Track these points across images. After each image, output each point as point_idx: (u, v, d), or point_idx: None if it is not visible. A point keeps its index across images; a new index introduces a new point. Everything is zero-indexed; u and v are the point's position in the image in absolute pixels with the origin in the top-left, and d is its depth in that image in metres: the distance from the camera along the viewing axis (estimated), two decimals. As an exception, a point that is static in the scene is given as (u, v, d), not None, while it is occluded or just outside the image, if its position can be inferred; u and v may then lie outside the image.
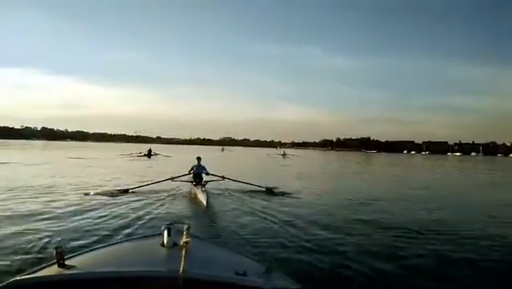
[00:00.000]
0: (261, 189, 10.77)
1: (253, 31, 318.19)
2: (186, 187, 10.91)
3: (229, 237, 5.75)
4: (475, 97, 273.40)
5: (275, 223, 6.81)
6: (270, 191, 10.70)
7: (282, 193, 10.60)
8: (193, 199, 9.35)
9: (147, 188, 10.46)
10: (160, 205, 8.27)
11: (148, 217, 7.12)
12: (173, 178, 10.65)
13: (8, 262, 4.16)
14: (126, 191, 9.92)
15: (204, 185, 10.12)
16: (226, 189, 11.14)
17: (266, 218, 7.23)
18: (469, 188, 17.31)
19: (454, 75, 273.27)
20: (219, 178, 10.90)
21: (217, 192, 10.64)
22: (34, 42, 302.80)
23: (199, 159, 11.19)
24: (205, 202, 8.48)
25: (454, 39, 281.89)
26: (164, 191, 10.27)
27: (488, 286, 4.33)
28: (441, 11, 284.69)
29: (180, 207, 8.41)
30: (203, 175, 10.73)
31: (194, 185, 10.38)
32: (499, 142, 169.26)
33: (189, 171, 10.96)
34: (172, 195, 9.92)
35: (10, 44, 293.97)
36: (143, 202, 8.57)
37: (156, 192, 10.15)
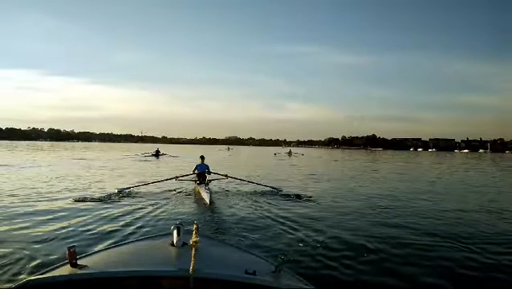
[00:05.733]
0: (264, 187, 10.73)
1: (257, 31, 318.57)
2: (190, 186, 10.99)
3: (231, 235, 5.70)
4: (482, 94, 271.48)
5: (279, 222, 6.69)
6: (274, 189, 10.63)
7: (288, 192, 10.48)
8: (197, 198, 9.36)
9: (152, 187, 10.57)
10: (165, 204, 8.27)
11: (153, 214, 7.16)
12: (177, 177, 10.66)
13: (21, 262, 4.15)
14: (130, 189, 9.99)
15: (207, 184, 10.15)
16: (229, 188, 11.23)
17: (269, 217, 7.16)
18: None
19: (460, 72, 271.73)
20: (222, 177, 10.90)
21: (220, 190, 10.69)
22: (40, 44, 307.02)
23: (202, 158, 11.22)
24: (208, 201, 8.50)
25: (460, 35, 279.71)
26: (169, 190, 10.41)
27: None
28: (446, 6, 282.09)
29: (183, 205, 8.39)
30: (206, 174, 10.73)
31: (198, 184, 10.42)
32: (507, 139, 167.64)
33: (193, 170, 10.98)
34: (176, 194, 9.98)
35: (17, 46, 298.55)
36: (148, 201, 8.61)
37: (161, 191, 10.28)
